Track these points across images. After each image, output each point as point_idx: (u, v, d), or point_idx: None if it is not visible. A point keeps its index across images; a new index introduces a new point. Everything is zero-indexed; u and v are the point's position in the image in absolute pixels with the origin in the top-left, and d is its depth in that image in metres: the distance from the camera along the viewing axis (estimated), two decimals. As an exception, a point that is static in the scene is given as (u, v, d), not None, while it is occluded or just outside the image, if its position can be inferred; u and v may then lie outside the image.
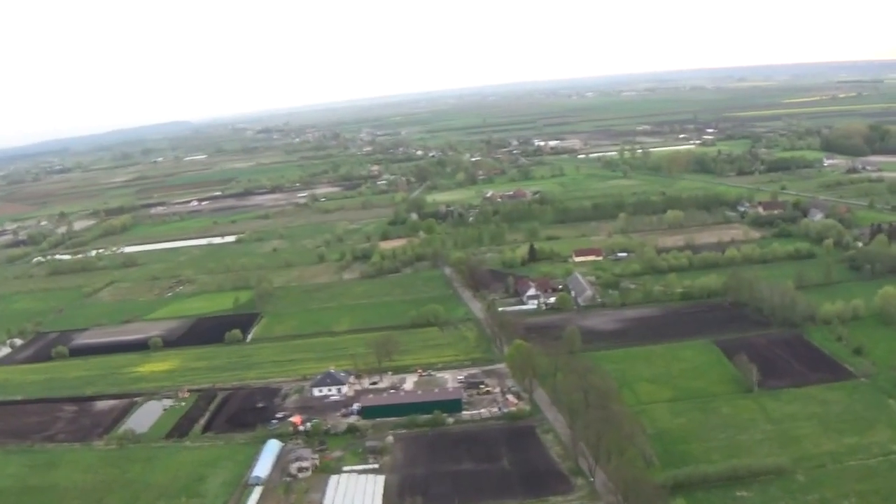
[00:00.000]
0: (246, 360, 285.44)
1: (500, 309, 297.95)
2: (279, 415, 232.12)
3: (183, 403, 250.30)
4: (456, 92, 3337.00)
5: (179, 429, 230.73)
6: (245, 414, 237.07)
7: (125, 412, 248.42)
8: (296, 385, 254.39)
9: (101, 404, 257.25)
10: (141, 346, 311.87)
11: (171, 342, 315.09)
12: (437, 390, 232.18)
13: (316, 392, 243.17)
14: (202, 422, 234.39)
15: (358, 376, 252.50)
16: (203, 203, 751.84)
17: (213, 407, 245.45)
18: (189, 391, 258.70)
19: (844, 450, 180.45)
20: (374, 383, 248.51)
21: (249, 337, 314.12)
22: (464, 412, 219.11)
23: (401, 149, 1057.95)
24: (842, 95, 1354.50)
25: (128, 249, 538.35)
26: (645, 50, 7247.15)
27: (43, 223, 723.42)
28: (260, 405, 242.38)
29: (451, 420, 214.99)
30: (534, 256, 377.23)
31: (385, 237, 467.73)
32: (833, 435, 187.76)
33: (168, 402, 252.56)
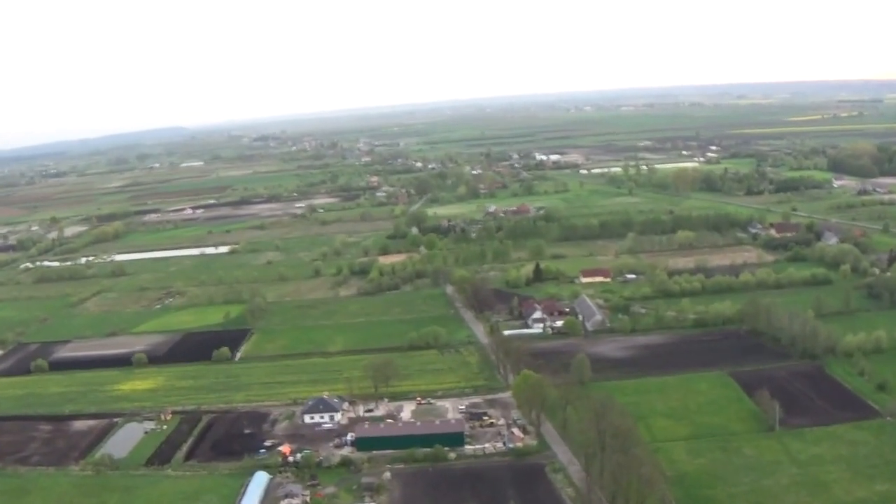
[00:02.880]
0: (234, 381, 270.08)
1: (504, 332, 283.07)
2: (267, 443, 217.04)
3: (165, 427, 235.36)
4: (452, 103, 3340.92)
5: (161, 455, 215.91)
6: (231, 441, 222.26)
7: (103, 434, 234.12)
8: (286, 410, 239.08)
9: (79, 424, 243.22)
10: (124, 362, 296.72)
11: (156, 358, 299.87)
12: (437, 422, 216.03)
13: (307, 419, 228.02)
14: (185, 448, 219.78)
15: (352, 402, 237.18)
16: (198, 211, 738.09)
17: (196, 431, 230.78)
18: (172, 413, 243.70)
19: (877, 498, 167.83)
20: (370, 411, 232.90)
21: (238, 355, 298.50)
22: (466, 446, 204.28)
23: (399, 160, 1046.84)
24: (843, 115, 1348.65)
25: (118, 257, 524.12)
26: (642, 65, 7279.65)
27: (34, 228, 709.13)
28: (247, 431, 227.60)
29: (452, 455, 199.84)
30: (539, 276, 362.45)
31: (384, 252, 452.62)
32: (863, 481, 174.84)
33: (149, 425, 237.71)
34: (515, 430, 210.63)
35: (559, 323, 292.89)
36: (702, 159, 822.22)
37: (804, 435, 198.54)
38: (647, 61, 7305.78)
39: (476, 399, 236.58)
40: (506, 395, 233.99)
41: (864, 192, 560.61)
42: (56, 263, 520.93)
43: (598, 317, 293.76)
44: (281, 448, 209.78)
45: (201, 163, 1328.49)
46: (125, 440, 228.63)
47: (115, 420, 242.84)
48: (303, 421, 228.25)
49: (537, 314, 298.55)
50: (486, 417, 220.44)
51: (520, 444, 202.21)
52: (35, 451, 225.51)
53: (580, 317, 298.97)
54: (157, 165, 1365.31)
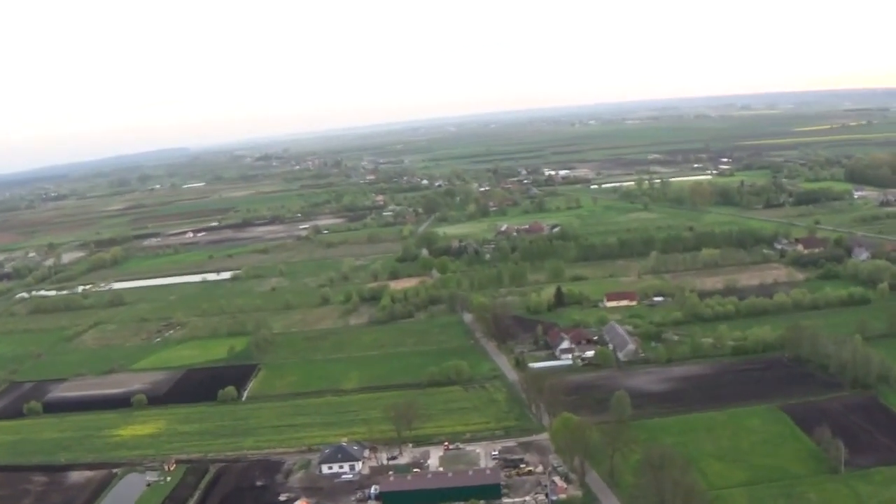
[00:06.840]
0: (242, 424, 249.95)
1: (531, 365, 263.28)
2: (283, 497, 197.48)
3: (169, 478, 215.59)
4: (455, 119, 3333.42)
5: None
6: (242, 495, 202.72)
7: (102, 487, 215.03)
8: (300, 458, 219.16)
9: (76, 475, 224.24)
10: (123, 403, 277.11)
11: (157, 398, 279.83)
12: (470, 472, 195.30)
13: (325, 469, 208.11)
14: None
15: (373, 449, 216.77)
16: (199, 234, 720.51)
17: (204, 484, 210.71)
18: (176, 462, 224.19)
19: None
20: (393, 458, 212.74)
21: (245, 394, 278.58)
22: (504, 499, 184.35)
23: (405, 178, 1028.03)
24: (852, 124, 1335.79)
25: (117, 285, 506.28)
26: (643, 78, 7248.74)
27: (31, 255, 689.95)
28: (259, 483, 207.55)
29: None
30: (561, 301, 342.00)
31: (394, 276, 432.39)
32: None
33: (152, 476, 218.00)
34: (557, 479, 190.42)
35: (589, 353, 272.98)
36: (714, 172, 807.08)
37: (872, 476, 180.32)
38: (647, 74, 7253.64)
39: (509, 442, 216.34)
40: (541, 438, 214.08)
41: (886, 202, 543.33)
42: (52, 292, 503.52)
43: (631, 346, 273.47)
44: (298, 503, 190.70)
45: (203, 184, 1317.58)
46: (126, 494, 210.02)
47: (115, 471, 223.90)
48: (320, 471, 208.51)
49: (565, 344, 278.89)
50: (523, 465, 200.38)
51: (563, 496, 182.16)
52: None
53: (611, 346, 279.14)
54: (159, 187, 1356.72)
